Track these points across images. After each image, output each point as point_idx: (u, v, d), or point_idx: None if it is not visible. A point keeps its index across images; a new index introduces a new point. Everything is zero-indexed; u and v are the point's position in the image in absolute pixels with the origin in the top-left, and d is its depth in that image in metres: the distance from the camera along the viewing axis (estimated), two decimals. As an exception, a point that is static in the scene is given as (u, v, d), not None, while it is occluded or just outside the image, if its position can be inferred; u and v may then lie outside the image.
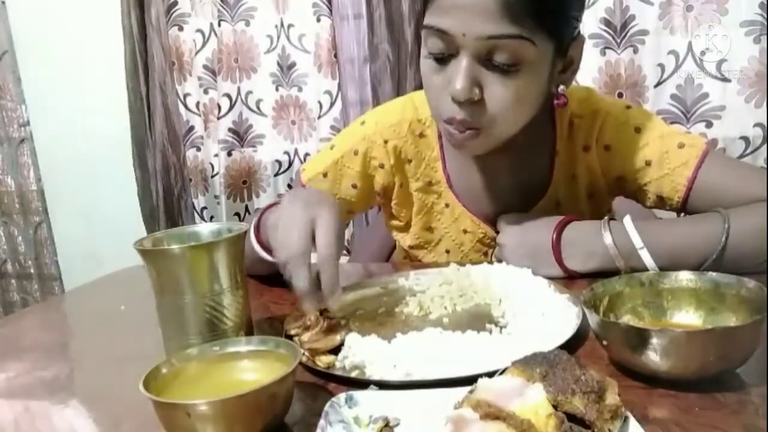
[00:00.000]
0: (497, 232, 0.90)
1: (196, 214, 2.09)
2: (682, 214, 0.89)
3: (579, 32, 0.82)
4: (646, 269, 0.76)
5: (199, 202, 2.07)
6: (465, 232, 0.97)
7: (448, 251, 1.00)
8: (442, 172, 0.97)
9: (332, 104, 1.85)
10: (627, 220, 0.79)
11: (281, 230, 0.68)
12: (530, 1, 0.71)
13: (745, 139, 1.51)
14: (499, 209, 0.91)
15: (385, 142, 0.96)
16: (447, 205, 0.97)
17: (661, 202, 0.88)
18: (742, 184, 0.82)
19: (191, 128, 2.04)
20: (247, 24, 1.91)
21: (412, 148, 0.96)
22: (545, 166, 0.93)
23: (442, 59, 0.78)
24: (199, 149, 2.04)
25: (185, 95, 2.01)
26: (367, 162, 0.97)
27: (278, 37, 1.89)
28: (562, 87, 0.84)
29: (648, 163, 0.86)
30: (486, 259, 0.97)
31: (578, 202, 0.94)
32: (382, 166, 0.97)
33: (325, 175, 0.97)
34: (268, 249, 0.81)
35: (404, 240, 1.03)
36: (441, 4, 0.75)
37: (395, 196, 1.00)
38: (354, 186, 0.97)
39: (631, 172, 0.88)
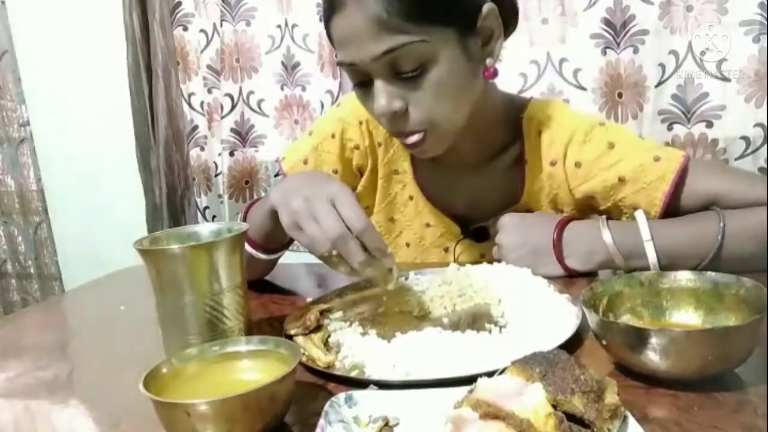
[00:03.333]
0: (467, 226, 0.89)
1: (198, 214, 2.09)
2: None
3: (483, 4, 0.78)
4: (645, 268, 0.76)
5: (202, 201, 2.07)
6: (428, 226, 0.96)
7: (408, 244, 0.99)
8: (409, 162, 0.96)
9: (333, 104, 1.85)
10: (639, 213, 0.79)
11: (305, 223, 0.68)
12: (399, 8, 0.72)
13: (746, 139, 1.51)
14: (467, 208, 0.91)
15: (360, 123, 0.95)
16: (411, 198, 0.97)
17: None
18: (730, 191, 0.80)
19: (195, 127, 2.04)
20: (248, 24, 1.91)
21: (383, 132, 0.96)
22: (516, 174, 0.92)
23: (365, 86, 0.79)
24: (202, 149, 2.04)
25: (190, 95, 2.02)
26: (344, 144, 0.97)
27: (282, 37, 1.89)
28: (489, 60, 0.81)
29: (621, 180, 0.84)
30: (447, 255, 0.96)
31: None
32: (357, 147, 0.97)
33: (305, 162, 0.97)
34: (257, 247, 0.83)
35: None
36: (335, 42, 0.79)
37: (363, 180, 0.99)
38: (335, 171, 0.97)
39: (604, 190, 0.85)
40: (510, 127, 0.91)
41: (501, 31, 0.81)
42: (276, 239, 0.84)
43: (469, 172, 0.93)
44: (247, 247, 0.82)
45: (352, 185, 1.00)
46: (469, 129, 0.84)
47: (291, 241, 0.86)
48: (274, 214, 0.75)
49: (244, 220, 0.84)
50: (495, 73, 0.83)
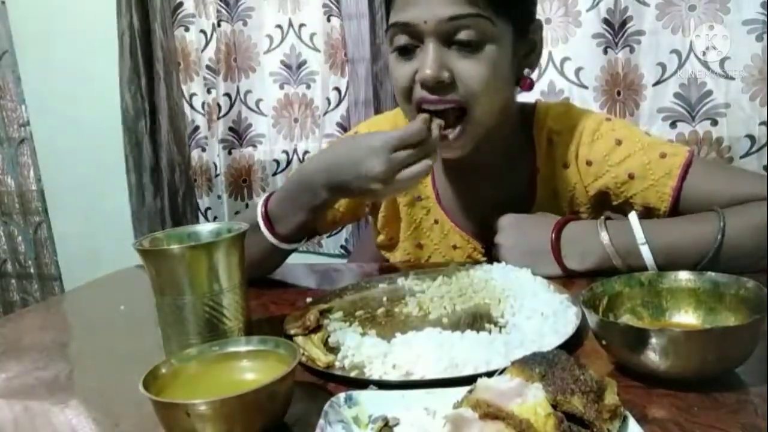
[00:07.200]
0: (487, 241, 0.90)
1: (200, 214, 2.09)
2: None
3: (536, 18, 0.87)
4: (643, 267, 0.76)
5: (204, 202, 2.07)
6: (455, 248, 0.97)
7: None
8: (431, 187, 0.97)
9: (340, 102, 1.86)
10: (633, 216, 0.80)
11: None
12: None
13: (751, 137, 1.50)
14: (487, 226, 0.91)
15: None
16: (436, 222, 0.98)
17: (649, 214, 0.87)
18: (730, 187, 0.82)
19: (196, 128, 2.05)
20: (245, 24, 1.92)
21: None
22: (528, 184, 0.94)
23: (408, 52, 0.81)
24: (203, 149, 2.05)
25: (191, 95, 2.02)
26: None
27: (283, 37, 1.90)
28: (527, 71, 0.87)
29: (631, 176, 0.86)
30: None
31: None
32: None
33: None
34: (280, 238, 0.85)
35: (393, 258, 1.03)
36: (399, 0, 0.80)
37: (383, 208, 1.00)
38: None
39: (615, 186, 0.88)
40: (523, 137, 0.94)
41: (541, 48, 0.88)
42: (310, 222, 0.86)
43: (484, 189, 0.94)
44: (271, 238, 0.84)
45: (355, 212, 1.02)
46: (491, 138, 0.86)
47: (312, 230, 0.90)
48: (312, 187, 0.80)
49: (266, 210, 0.85)
50: (531, 86, 0.88)
